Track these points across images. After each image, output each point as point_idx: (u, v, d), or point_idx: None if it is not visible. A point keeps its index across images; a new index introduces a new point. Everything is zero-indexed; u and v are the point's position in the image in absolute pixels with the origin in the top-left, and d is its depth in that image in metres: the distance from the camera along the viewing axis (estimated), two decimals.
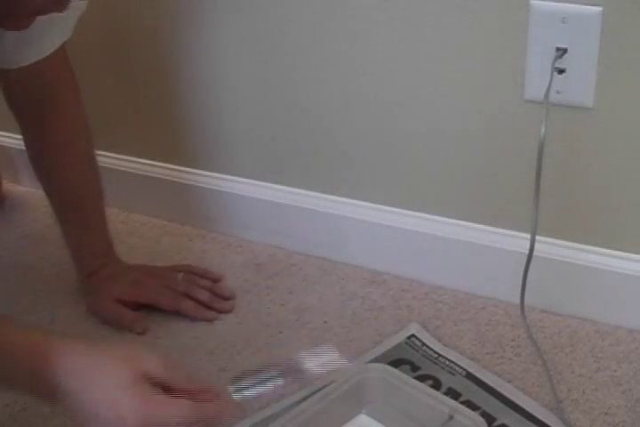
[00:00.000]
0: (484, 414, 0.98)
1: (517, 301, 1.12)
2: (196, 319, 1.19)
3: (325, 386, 0.99)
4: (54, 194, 1.22)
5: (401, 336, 1.13)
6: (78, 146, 1.20)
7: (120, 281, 1.20)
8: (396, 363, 1.07)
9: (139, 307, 1.19)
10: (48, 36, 1.09)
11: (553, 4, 0.99)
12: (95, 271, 1.21)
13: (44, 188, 1.22)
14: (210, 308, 1.20)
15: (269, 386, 0.88)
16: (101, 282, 1.20)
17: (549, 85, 1.01)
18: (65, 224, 1.22)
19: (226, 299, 1.22)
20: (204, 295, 1.20)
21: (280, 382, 0.88)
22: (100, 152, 1.46)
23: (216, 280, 1.25)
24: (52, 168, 1.20)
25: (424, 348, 1.10)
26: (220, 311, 1.20)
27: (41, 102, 1.16)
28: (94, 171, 1.22)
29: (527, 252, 1.07)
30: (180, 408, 0.78)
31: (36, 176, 1.22)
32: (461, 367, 1.07)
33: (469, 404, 1.00)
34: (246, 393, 0.87)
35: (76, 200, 1.21)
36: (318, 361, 0.92)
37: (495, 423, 0.98)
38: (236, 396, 0.86)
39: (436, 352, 1.10)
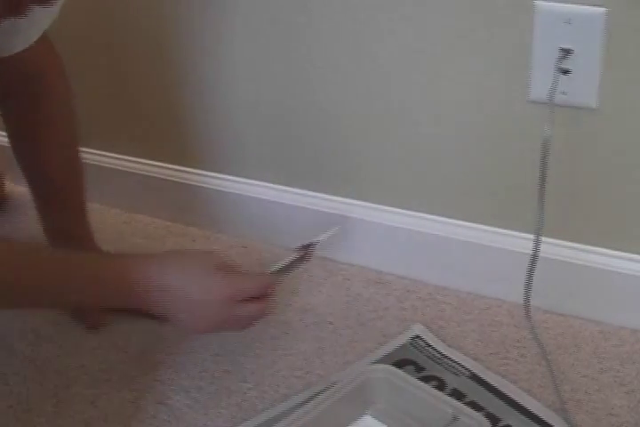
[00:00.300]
0: (489, 415, 0.98)
1: (521, 301, 1.12)
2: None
3: (330, 387, 0.99)
4: (35, 182, 1.22)
5: (405, 337, 1.13)
6: (63, 129, 1.20)
7: None
8: (401, 364, 1.07)
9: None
10: (36, 22, 1.07)
11: (557, 4, 0.99)
12: None
13: (24, 175, 1.22)
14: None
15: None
16: None
17: (554, 86, 1.01)
18: (43, 209, 1.23)
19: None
20: None
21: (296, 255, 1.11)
22: (103, 153, 1.48)
23: None
24: (34, 152, 1.20)
25: (428, 349, 1.10)
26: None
27: (29, 89, 1.15)
28: (77, 155, 1.22)
29: (531, 252, 1.07)
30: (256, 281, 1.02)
31: (17, 161, 1.21)
32: (465, 368, 1.07)
33: (474, 405, 1.00)
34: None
35: (56, 183, 1.21)
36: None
37: (499, 424, 0.98)
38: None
39: (440, 353, 1.10)
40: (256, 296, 1.00)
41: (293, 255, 1.11)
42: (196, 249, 1.24)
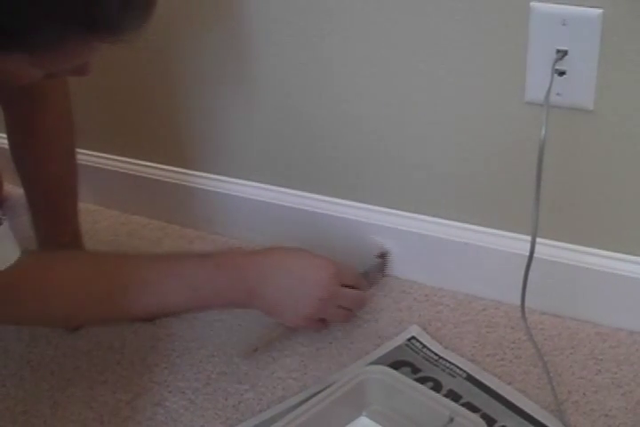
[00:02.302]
0: (485, 417, 0.98)
1: (518, 303, 1.12)
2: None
3: (326, 388, 0.99)
4: (29, 185, 1.23)
5: (401, 338, 1.13)
6: (61, 143, 1.21)
7: None
8: (397, 365, 1.07)
9: None
10: None
11: (553, 6, 0.99)
12: None
13: (19, 178, 1.23)
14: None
15: None
16: None
17: (550, 87, 1.01)
18: (35, 215, 1.24)
19: None
20: None
21: None
22: (100, 154, 1.48)
23: None
24: (32, 162, 1.21)
25: (424, 350, 1.10)
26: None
27: (29, 96, 1.15)
28: (72, 167, 1.23)
29: (527, 254, 1.07)
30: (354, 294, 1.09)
31: (15, 167, 1.22)
32: (462, 369, 1.07)
33: (470, 406, 1.00)
34: None
35: (50, 194, 1.22)
36: None
37: (495, 426, 0.98)
38: None
39: (436, 354, 1.10)
40: (352, 284, 1.08)
41: (372, 262, 1.21)
42: None
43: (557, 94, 1.03)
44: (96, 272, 0.97)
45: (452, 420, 0.93)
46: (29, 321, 1.04)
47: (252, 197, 1.35)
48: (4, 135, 1.22)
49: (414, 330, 1.14)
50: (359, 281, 1.11)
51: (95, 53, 0.79)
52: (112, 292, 0.97)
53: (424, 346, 1.11)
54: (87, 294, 0.96)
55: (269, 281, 1.02)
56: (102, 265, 0.99)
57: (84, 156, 1.45)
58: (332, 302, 1.06)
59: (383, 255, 1.23)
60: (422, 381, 1.04)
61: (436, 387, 1.04)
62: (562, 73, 1.01)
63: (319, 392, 0.99)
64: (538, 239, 1.06)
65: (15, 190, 1.48)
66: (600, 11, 0.97)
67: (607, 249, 1.11)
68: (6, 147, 1.22)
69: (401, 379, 0.99)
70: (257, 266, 1.03)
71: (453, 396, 1.02)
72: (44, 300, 0.93)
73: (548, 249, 1.12)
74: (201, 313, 1.20)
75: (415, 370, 1.07)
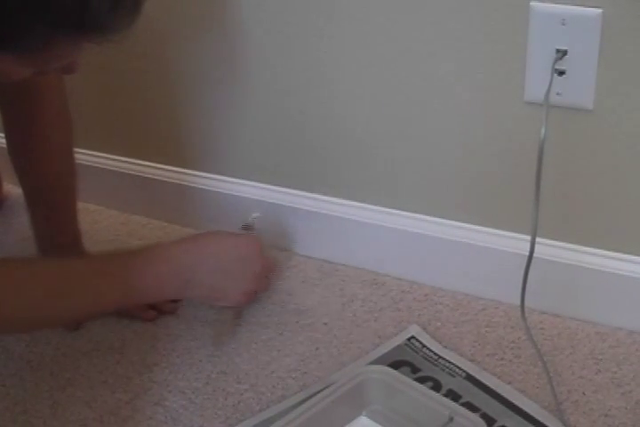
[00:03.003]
0: (484, 416, 0.98)
1: (517, 302, 1.12)
2: (134, 318, 1.20)
3: (326, 388, 0.99)
4: (28, 185, 1.23)
5: (401, 338, 1.13)
6: (59, 141, 1.21)
7: None
8: (396, 365, 1.07)
9: None
10: None
11: (553, 5, 0.99)
12: None
13: (18, 178, 1.23)
14: (153, 308, 1.20)
15: None
16: None
17: (549, 87, 1.01)
18: (34, 215, 1.24)
19: (173, 300, 1.22)
20: None
21: None
22: (100, 154, 1.48)
23: None
24: (29, 161, 1.21)
25: (424, 349, 1.10)
26: (162, 312, 1.21)
27: (25, 96, 1.15)
28: (71, 166, 1.23)
29: (527, 253, 1.07)
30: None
31: (13, 166, 1.22)
32: (461, 369, 1.07)
33: (469, 406, 1.00)
34: None
35: (48, 193, 1.22)
36: None
37: (495, 425, 0.98)
38: None
39: (436, 354, 1.10)
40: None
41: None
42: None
43: (557, 94, 1.03)
44: (34, 279, 0.96)
45: (451, 419, 0.93)
46: None
47: (251, 196, 1.34)
48: (2, 135, 1.22)
49: (414, 330, 1.14)
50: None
51: (83, 53, 0.79)
52: (53, 297, 0.96)
53: (424, 346, 1.11)
54: (29, 301, 0.94)
55: (205, 267, 1.05)
56: (37, 269, 0.99)
57: (84, 156, 1.45)
58: (263, 274, 1.11)
59: (247, 227, 1.27)
60: (422, 380, 1.04)
61: (436, 387, 1.04)
62: (561, 73, 1.01)
63: (319, 392, 0.99)
64: (537, 239, 1.06)
65: (15, 190, 1.48)
66: (600, 10, 0.97)
67: (607, 249, 1.11)
68: (4, 146, 1.22)
69: (401, 379, 0.99)
70: (190, 255, 1.05)
71: (453, 395, 1.02)
72: None
73: (547, 249, 1.12)
74: (201, 313, 1.20)
75: (415, 370, 1.07)
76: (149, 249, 1.06)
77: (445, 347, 1.11)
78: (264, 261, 1.13)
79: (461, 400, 1.01)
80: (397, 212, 1.23)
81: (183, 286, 1.05)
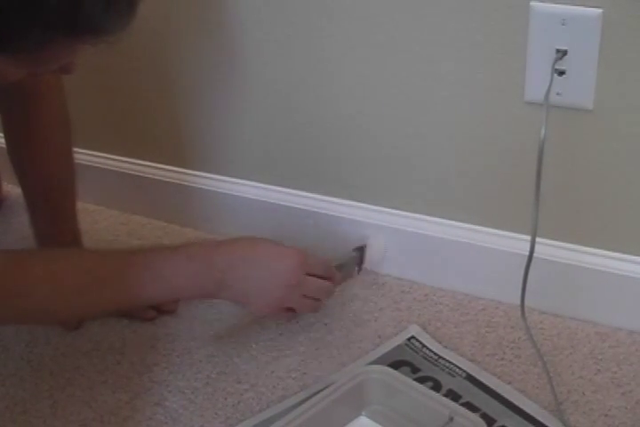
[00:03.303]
0: (484, 416, 0.98)
1: (517, 302, 1.12)
2: (134, 318, 1.20)
3: (326, 388, 0.99)
4: (28, 185, 1.23)
5: (401, 338, 1.13)
6: (58, 141, 1.21)
7: None
8: (396, 365, 1.07)
9: None
10: None
11: (553, 5, 0.99)
12: None
13: (17, 178, 1.23)
14: (152, 308, 1.20)
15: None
16: None
17: (549, 87, 1.01)
18: (34, 214, 1.24)
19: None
20: None
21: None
22: (101, 154, 1.48)
23: None
24: (29, 161, 1.21)
25: (424, 350, 1.10)
26: (161, 312, 1.21)
27: (24, 96, 1.15)
28: (70, 166, 1.23)
29: (527, 253, 1.07)
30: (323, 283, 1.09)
31: (12, 167, 1.22)
32: (461, 369, 1.07)
33: (469, 406, 1.00)
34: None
35: (48, 193, 1.22)
36: None
37: (495, 425, 0.98)
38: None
39: (436, 354, 1.10)
40: (321, 275, 1.09)
41: (348, 255, 1.21)
42: None
43: (557, 94, 1.03)
44: (73, 267, 0.98)
45: (451, 419, 0.93)
46: (10, 320, 1.04)
47: (250, 196, 1.34)
48: (2, 135, 1.23)
49: (414, 330, 1.14)
50: (330, 272, 1.12)
51: (79, 54, 0.79)
52: (90, 285, 0.97)
53: (424, 346, 1.11)
54: (65, 289, 0.96)
55: (237, 271, 1.03)
56: (78, 260, 1.00)
57: (84, 156, 1.45)
58: (298, 291, 1.07)
59: (360, 249, 1.24)
60: (422, 380, 1.04)
61: (436, 387, 1.04)
62: (562, 73, 1.01)
63: (319, 392, 0.99)
64: (537, 239, 1.06)
65: (14, 190, 1.48)
66: (600, 10, 0.97)
67: (607, 249, 1.11)
68: (4, 146, 1.22)
69: (401, 379, 0.99)
70: (225, 256, 1.04)
71: (453, 395, 1.02)
72: (21, 296, 0.93)
73: (547, 249, 1.12)
74: (201, 313, 1.20)
75: (415, 370, 1.07)
76: (189, 247, 1.05)
77: (445, 347, 1.11)
78: (303, 278, 1.07)
79: (461, 400, 1.01)
80: (397, 212, 1.23)
81: (213, 288, 1.04)
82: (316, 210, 1.29)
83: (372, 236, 1.24)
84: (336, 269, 1.14)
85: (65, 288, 0.96)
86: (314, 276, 1.08)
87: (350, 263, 1.22)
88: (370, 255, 1.24)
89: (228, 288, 1.03)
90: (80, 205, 1.26)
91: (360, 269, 1.25)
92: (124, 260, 1.01)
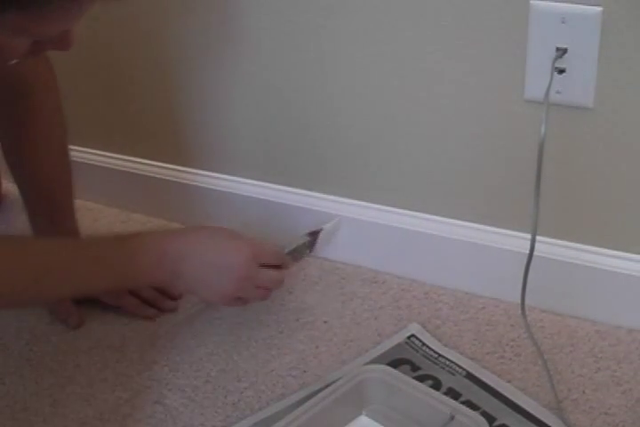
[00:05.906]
0: (485, 414, 0.98)
1: (517, 301, 1.12)
2: (136, 316, 1.20)
3: (326, 386, 0.99)
4: (24, 185, 1.23)
5: (401, 336, 1.13)
6: (53, 141, 1.21)
7: None
8: (396, 363, 1.07)
9: (83, 300, 1.19)
10: None
11: (553, 3, 0.99)
12: None
13: (14, 178, 1.23)
14: (153, 306, 1.21)
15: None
16: None
17: (549, 85, 1.01)
18: (31, 214, 1.23)
19: (173, 298, 1.22)
20: (148, 293, 1.20)
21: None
22: (100, 152, 1.48)
23: None
24: (25, 161, 1.21)
25: (424, 348, 1.10)
26: (162, 310, 1.21)
27: (17, 95, 1.15)
28: (66, 164, 1.23)
29: (527, 252, 1.07)
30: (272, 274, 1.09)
31: (8, 167, 1.22)
32: (461, 367, 1.07)
33: (469, 404, 1.00)
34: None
35: (46, 193, 1.22)
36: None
37: (495, 423, 0.98)
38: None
39: (436, 352, 1.10)
40: (273, 264, 1.09)
41: (301, 240, 1.20)
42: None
43: (557, 92, 1.03)
44: (20, 256, 0.97)
45: (452, 418, 0.93)
46: None
47: (250, 194, 1.34)
48: None
49: (414, 328, 1.14)
50: (280, 259, 1.12)
51: (83, 14, 0.79)
52: (37, 275, 0.97)
53: (424, 344, 1.11)
54: (11, 277, 0.94)
55: (189, 262, 1.04)
56: (25, 248, 0.99)
57: (83, 154, 1.45)
58: (249, 283, 1.07)
59: (314, 233, 1.23)
60: (422, 379, 1.04)
61: (436, 385, 1.04)
62: (561, 71, 1.01)
63: (319, 391, 0.99)
64: (538, 237, 1.06)
65: (14, 188, 1.48)
66: (600, 8, 0.97)
67: (607, 247, 1.11)
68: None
69: (401, 378, 0.99)
70: (176, 246, 1.04)
71: (453, 394, 1.02)
72: None
73: (547, 247, 1.12)
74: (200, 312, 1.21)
75: (415, 368, 1.07)
76: (138, 237, 1.05)
77: (445, 345, 1.11)
78: (257, 271, 1.07)
79: (461, 399, 1.01)
80: (397, 210, 1.23)
81: (169, 277, 1.05)
82: (316, 208, 1.29)
83: (330, 221, 1.25)
84: (288, 255, 1.16)
85: (14, 278, 0.94)
86: (266, 265, 1.09)
87: (302, 249, 1.21)
88: (321, 240, 1.23)
89: (181, 278, 1.04)
90: (80, 203, 1.26)
91: (310, 252, 1.24)
92: (75, 252, 1.01)
